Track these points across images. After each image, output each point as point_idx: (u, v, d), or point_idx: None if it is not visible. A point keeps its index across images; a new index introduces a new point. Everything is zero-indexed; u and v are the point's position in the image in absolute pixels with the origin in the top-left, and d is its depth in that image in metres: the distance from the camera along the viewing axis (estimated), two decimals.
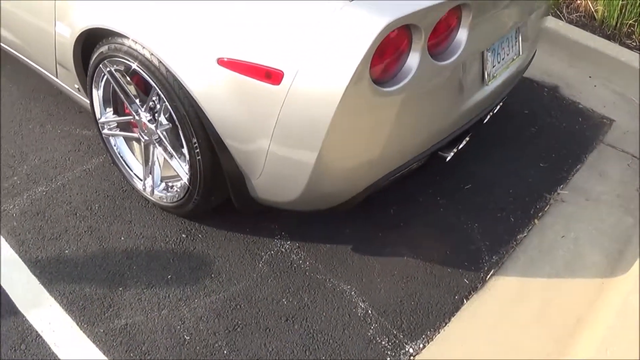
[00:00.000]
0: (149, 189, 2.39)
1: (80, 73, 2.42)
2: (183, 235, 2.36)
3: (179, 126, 2.06)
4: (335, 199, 2.09)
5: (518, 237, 2.51)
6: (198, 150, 2.05)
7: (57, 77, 2.64)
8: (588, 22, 3.73)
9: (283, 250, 2.34)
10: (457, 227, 2.50)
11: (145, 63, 2.02)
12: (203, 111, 1.94)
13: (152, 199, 2.41)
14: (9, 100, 3.03)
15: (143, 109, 2.22)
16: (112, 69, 2.19)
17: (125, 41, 2.06)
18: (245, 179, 2.07)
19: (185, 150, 2.10)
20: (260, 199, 2.13)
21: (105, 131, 2.45)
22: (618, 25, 3.53)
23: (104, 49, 2.16)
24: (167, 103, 2.04)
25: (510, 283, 2.33)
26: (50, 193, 2.51)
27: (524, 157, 2.92)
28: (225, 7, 1.84)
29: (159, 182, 2.38)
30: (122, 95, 2.27)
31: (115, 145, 2.48)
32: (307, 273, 2.26)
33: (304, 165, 1.90)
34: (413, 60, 1.85)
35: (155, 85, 2.03)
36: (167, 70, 1.96)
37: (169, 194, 2.35)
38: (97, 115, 2.42)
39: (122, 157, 2.48)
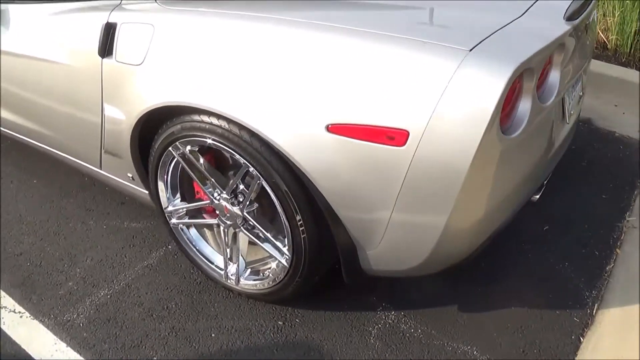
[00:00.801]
0: (233, 278, 2.19)
1: (137, 160, 2.24)
2: (279, 323, 2.15)
3: (278, 204, 1.89)
4: (456, 258, 1.96)
5: (607, 268, 2.44)
6: (303, 227, 1.89)
7: (101, 168, 2.44)
8: (601, 52, 3.83)
9: (390, 321, 2.16)
10: (550, 269, 2.41)
11: (232, 139, 1.86)
12: (314, 184, 1.79)
13: (237, 288, 2.20)
14: (37, 199, 2.79)
15: (225, 192, 2.06)
16: (186, 150, 2.03)
17: (205, 117, 1.91)
18: (359, 250, 1.91)
19: (286, 229, 1.93)
20: (373, 270, 1.96)
21: (174, 221, 2.25)
22: (632, 51, 3.63)
23: (174, 129, 1.99)
24: (263, 180, 1.88)
25: (614, 314, 2.24)
26: (116, 296, 2.26)
27: (585, 191, 2.89)
28: (331, 69, 1.73)
29: (244, 268, 2.19)
30: (196, 179, 2.10)
31: (186, 235, 2.27)
32: (422, 341, 2.08)
33: (432, 229, 1.76)
34: (526, 103, 1.78)
35: (248, 162, 1.87)
36: (263, 144, 1.81)
37: (258, 280, 2.15)
38: (164, 204, 2.23)
39: (195, 246, 2.27)
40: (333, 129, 1.72)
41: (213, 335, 2.11)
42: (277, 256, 2.04)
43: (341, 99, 1.70)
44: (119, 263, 2.42)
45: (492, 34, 1.71)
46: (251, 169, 1.88)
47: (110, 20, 2.09)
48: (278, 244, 2.03)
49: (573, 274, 2.39)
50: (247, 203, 2.02)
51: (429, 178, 1.68)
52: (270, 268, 2.12)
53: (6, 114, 2.71)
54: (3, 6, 2.46)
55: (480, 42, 1.65)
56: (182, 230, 2.27)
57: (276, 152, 1.80)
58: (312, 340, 2.09)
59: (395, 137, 1.66)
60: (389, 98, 1.66)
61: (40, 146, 2.71)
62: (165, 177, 2.17)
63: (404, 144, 1.66)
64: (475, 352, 2.05)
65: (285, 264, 2.01)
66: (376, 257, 1.90)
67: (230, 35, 1.86)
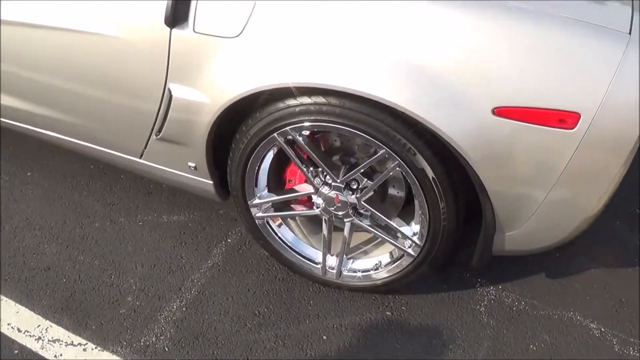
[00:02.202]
0: (333, 272, 1.97)
1: (209, 148, 1.88)
2: (388, 314, 1.99)
3: (420, 192, 1.70)
4: (581, 232, 1.94)
5: None
6: (445, 215, 1.73)
7: (140, 157, 2.05)
8: None
9: (493, 297, 2.09)
10: (625, 241, 2.47)
11: (371, 124, 1.62)
12: (474, 169, 1.63)
13: (338, 282, 1.99)
14: (40, 195, 2.31)
15: (339, 179, 1.82)
16: (297, 137, 1.73)
17: (333, 100, 1.63)
18: (497, 233, 1.81)
19: (425, 217, 1.76)
20: (505, 250, 1.86)
21: (260, 214, 1.95)
22: None
23: (284, 112, 1.69)
24: (406, 168, 1.68)
25: None
26: (192, 307, 1.94)
27: None
28: (499, 50, 1.55)
29: (345, 260, 1.98)
30: (302, 167, 1.83)
31: (273, 229, 2.00)
32: (529, 313, 2.05)
33: (582, 207, 1.68)
34: None
35: (390, 149, 1.65)
36: (409, 128, 1.61)
37: (369, 271, 1.96)
38: (249, 196, 1.92)
39: (284, 241, 2.02)
40: (500, 111, 1.56)
41: (324, 337, 1.90)
42: (400, 245, 1.87)
43: (509, 81, 1.53)
44: (177, 266, 2.08)
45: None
46: (391, 154, 1.67)
47: None
48: (405, 231, 1.86)
49: None
50: (365, 190, 1.82)
51: (592, 159, 1.60)
52: (386, 259, 1.96)
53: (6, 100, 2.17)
54: None
55: (631, 27, 1.58)
56: (267, 224, 1.99)
57: (424, 137, 1.62)
58: (429, 328, 1.97)
59: (567, 119, 1.55)
60: (560, 80, 1.52)
61: (45, 134, 2.22)
62: (257, 167, 1.87)
63: (574, 126, 1.55)
64: (579, 317, 2.07)
65: (412, 252, 1.86)
66: (514, 238, 1.80)
67: (379, 8, 1.59)
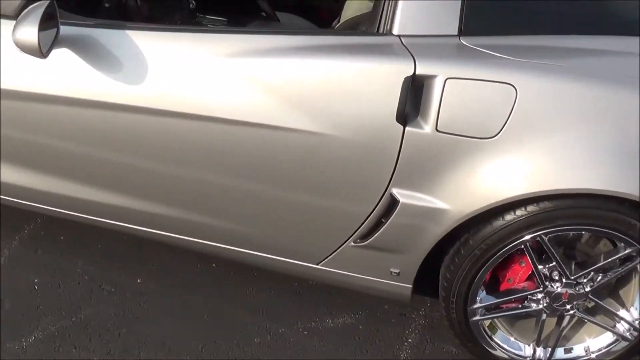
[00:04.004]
0: None
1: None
2: None
3: None
4: None
5: None
6: None
7: (319, 263, 1.75)
8: None
9: None
10: None
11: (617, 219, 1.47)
12: None
13: None
14: (170, 315, 1.96)
15: (573, 276, 1.64)
16: (545, 239, 1.54)
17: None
18: None
19: None
20: None
21: (476, 318, 1.73)
22: None
23: (537, 218, 1.49)
24: None
25: None
26: None
27: None
28: None
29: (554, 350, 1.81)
30: (539, 270, 1.64)
31: (485, 330, 1.78)
32: None
33: None
34: None
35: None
36: None
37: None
38: (469, 302, 1.69)
39: (494, 339, 1.80)
40: None
41: None
42: (615, 329, 1.74)
43: None
44: None
45: None
46: None
47: (420, 72, 1.42)
48: (624, 315, 1.73)
49: None
50: (600, 284, 1.66)
51: None
52: (591, 343, 1.81)
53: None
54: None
55: None
56: (480, 325, 1.77)
57: None
58: None
59: None
60: None
61: (172, 236, 1.87)
62: (481, 270, 1.64)
63: None
64: None
65: (630, 337, 1.73)
66: None
67: None
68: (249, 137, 1.55)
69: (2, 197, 1.98)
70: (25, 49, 1.51)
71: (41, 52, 1.50)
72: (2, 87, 1.67)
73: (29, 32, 1.48)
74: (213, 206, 1.74)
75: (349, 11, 2.37)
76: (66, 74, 1.63)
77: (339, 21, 2.44)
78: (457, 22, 1.47)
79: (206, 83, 1.54)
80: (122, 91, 1.58)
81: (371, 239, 1.63)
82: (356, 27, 2.10)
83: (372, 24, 1.65)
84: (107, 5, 2.00)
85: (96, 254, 2.15)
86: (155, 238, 1.91)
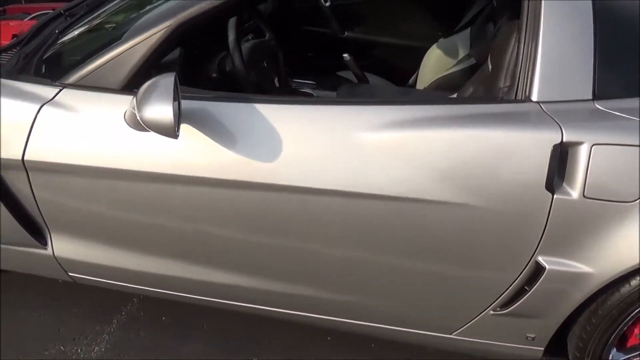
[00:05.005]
0: None
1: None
2: None
3: None
4: None
5: None
6: None
7: (452, 332, 1.72)
8: None
9: None
10: None
11: None
12: None
13: None
14: None
15: None
16: None
17: None
18: None
19: None
20: None
21: None
22: None
23: None
24: None
25: None
26: None
27: None
28: None
29: None
30: None
31: None
32: None
33: None
34: None
35: None
36: None
37: None
38: None
39: None
40: None
41: None
42: None
43: None
44: None
45: None
46: None
47: (567, 140, 1.43)
48: None
49: None
50: None
51: None
52: None
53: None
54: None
55: None
56: None
57: None
58: None
59: None
60: None
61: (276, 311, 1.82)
62: (617, 329, 1.62)
63: None
64: None
65: None
66: None
67: None
68: (394, 211, 1.53)
69: (97, 279, 1.94)
70: (156, 128, 1.42)
71: (175, 131, 1.42)
72: (105, 165, 1.62)
73: (162, 110, 1.39)
74: (353, 282, 1.70)
75: (427, 68, 2.41)
76: (186, 151, 1.55)
77: (416, 78, 2.49)
78: (591, 86, 1.48)
79: (343, 157, 1.51)
80: (252, 168, 1.53)
81: (513, 306, 1.61)
82: (452, 87, 2.13)
83: (491, 88, 1.67)
84: (214, 75, 1.96)
85: (203, 334, 2.07)
86: (281, 317, 1.85)
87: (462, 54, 2.35)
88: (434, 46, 2.39)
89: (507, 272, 1.57)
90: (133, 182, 1.64)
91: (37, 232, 1.83)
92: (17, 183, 1.73)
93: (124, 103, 1.59)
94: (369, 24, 2.62)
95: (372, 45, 2.60)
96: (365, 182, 1.51)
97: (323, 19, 2.57)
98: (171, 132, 1.41)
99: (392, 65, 2.58)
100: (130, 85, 1.63)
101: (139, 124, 1.51)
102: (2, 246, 1.88)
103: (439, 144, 1.49)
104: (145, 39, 1.61)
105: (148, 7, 1.96)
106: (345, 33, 2.63)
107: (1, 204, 1.76)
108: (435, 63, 2.38)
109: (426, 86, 2.29)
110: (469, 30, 2.38)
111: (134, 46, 1.61)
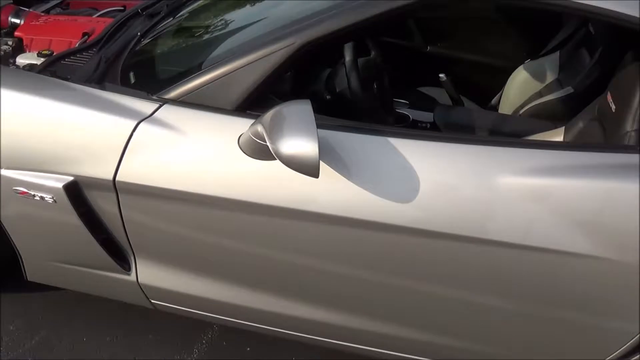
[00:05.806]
0: None
1: None
2: None
3: None
4: None
5: None
6: None
7: None
8: None
9: None
10: None
11: None
12: None
13: None
14: None
15: None
16: None
17: None
18: None
19: None
20: None
21: None
22: None
23: None
24: None
25: None
26: None
27: None
28: None
29: None
30: None
31: None
32: None
33: None
34: None
35: None
36: None
37: None
38: None
39: None
40: None
41: None
42: None
43: None
44: None
45: None
46: None
47: None
48: None
49: None
50: None
51: None
52: None
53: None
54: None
55: None
56: None
57: None
58: None
59: None
60: None
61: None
62: None
63: None
64: None
65: None
66: None
67: None
68: (532, 262, 1.40)
69: (179, 307, 1.79)
70: (295, 165, 1.24)
71: (318, 170, 1.24)
72: (210, 193, 1.46)
73: (306, 146, 1.21)
74: (464, 328, 1.57)
75: (512, 90, 2.28)
76: (310, 184, 1.36)
77: (499, 99, 2.36)
78: None
79: (486, 203, 1.38)
80: (386, 209, 1.38)
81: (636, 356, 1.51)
82: (551, 117, 2.02)
83: (614, 130, 1.53)
84: (328, 97, 1.79)
85: None
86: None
87: (550, 78, 2.23)
88: (521, 67, 2.26)
89: (632, 323, 1.44)
90: (239, 212, 1.49)
91: (119, 256, 1.68)
92: (104, 204, 1.58)
93: (236, 125, 1.45)
94: (453, 39, 2.49)
95: (454, 62, 2.47)
96: (503, 229, 1.37)
97: (406, 32, 2.43)
98: (314, 170, 1.24)
99: (473, 84, 2.45)
100: (244, 107, 1.47)
101: (257, 152, 1.37)
102: (82, 269, 1.73)
103: (584, 194, 1.36)
104: (264, 57, 1.44)
105: (243, 13, 1.82)
106: (429, 47, 2.49)
107: (83, 224, 1.60)
108: (521, 85, 2.25)
109: (520, 111, 2.17)
110: (557, 54, 2.26)
111: (250, 63, 1.45)
